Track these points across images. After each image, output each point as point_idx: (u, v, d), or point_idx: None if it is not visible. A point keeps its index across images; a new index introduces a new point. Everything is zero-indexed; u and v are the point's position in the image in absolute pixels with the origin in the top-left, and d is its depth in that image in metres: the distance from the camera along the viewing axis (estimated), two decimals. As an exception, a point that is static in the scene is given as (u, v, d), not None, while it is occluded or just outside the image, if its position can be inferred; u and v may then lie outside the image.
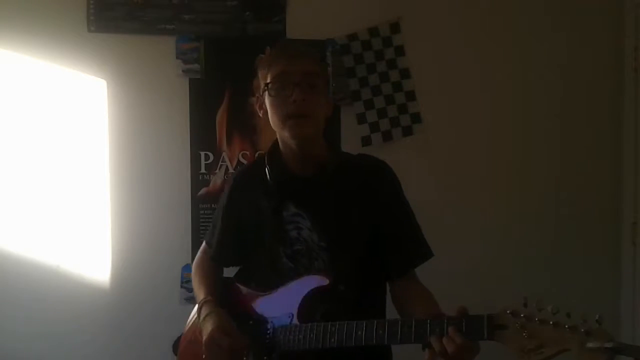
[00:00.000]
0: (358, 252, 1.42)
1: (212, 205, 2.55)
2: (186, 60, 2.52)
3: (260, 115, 1.45)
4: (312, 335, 1.32)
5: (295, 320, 1.36)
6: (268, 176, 1.45)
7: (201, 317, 1.45)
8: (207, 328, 1.40)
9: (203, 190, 2.56)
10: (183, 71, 2.52)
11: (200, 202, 2.56)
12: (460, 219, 2.67)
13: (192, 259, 2.52)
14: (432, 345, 1.15)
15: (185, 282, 2.53)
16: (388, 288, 1.50)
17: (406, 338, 1.20)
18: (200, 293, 1.54)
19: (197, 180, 2.56)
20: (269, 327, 1.40)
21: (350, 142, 2.60)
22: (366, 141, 2.60)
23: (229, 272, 1.65)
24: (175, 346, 1.65)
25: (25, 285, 2.45)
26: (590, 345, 1.02)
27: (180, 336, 1.65)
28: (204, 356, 1.42)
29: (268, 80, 1.38)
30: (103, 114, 2.50)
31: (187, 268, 2.54)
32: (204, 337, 1.40)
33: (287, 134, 1.38)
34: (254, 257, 1.52)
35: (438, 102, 2.64)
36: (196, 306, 1.56)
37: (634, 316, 2.66)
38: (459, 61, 2.65)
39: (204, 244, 1.68)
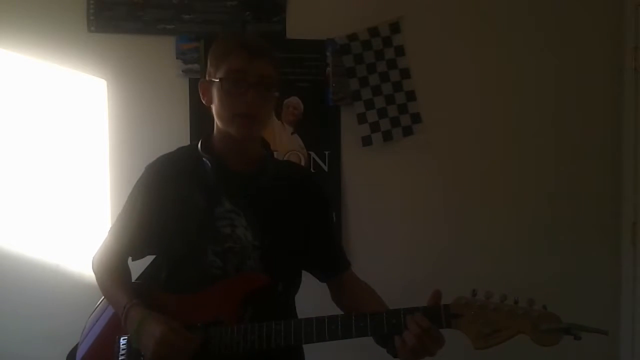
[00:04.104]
0: (288, 254, 1.42)
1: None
2: (186, 60, 2.52)
3: (204, 102, 1.42)
4: (260, 334, 1.27)
5: (228, 323, 1.29)
6: (209, 169, 1.40)
7: (134, 324, 1.29)
8: (150, 332, 1.25)
9: (203, 190, 2.55)
10: (183, 71, 2.52)
11: (200, 202, 2.55)
12: (461, 218, 2.67)
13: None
14: (408, 325, 1.20)
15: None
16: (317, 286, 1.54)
17: (379, 329, 1.23)
18: (119, 297, 1.37)
19: (197, 180, 2.55)
20: (197, 333, 1.28)
21: (351, 142, 2.61)
22: (366, 141, 2.59)
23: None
24: (72, 357, 1.46)
25: (25, 285, 2.45)
26: (544, 327, 1.12)
27: (76, 346, 1.48)
28: None
29: (222, 74, 1.34)
30: (103, 113, 2.50)
31: (187, 268, 2.54)
32: (149, 344, 1.25)
33: (233, 132, 1.36)
34: (172, 251, 1.42)
35: (438, 102, 2.64)
36: (96, 311, 1.50)
37: (633, 316, 2.66)
38: (459, 61, 2.65)
39: (106, 241, 1.51)
